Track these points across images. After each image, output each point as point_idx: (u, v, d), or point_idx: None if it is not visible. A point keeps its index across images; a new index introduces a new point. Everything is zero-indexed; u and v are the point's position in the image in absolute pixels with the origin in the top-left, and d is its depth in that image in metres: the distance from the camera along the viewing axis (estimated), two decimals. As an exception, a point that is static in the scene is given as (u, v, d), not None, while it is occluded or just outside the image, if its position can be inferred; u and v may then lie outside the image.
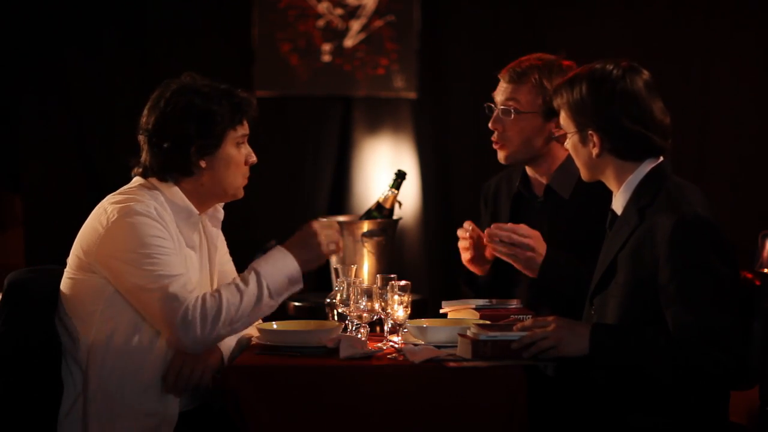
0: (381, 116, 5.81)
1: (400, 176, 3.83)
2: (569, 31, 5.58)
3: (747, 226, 4.75)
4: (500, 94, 3.32)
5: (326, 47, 5.74)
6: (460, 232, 3.31)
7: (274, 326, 2.91)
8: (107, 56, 5.70)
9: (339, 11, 5.74)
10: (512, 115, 3.27)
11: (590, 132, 2.79)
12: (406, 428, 2.64)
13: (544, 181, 3.35)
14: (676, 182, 2.78)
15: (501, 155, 3.34)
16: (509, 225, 3.17)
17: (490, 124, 3.33)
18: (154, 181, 2.91)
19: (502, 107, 3.30)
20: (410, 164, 5.74)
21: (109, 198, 2.89)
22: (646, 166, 2.80)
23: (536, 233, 3.16)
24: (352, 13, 5.75)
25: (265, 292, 2.78)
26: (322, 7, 5.74)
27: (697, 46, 5.59)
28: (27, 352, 2.83)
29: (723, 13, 5.57)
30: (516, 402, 2.61)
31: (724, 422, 2.78)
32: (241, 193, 2.97)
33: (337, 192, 5.78)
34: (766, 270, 4.24)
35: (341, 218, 4.02)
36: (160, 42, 5.72)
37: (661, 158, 2.82)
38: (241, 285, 2.78)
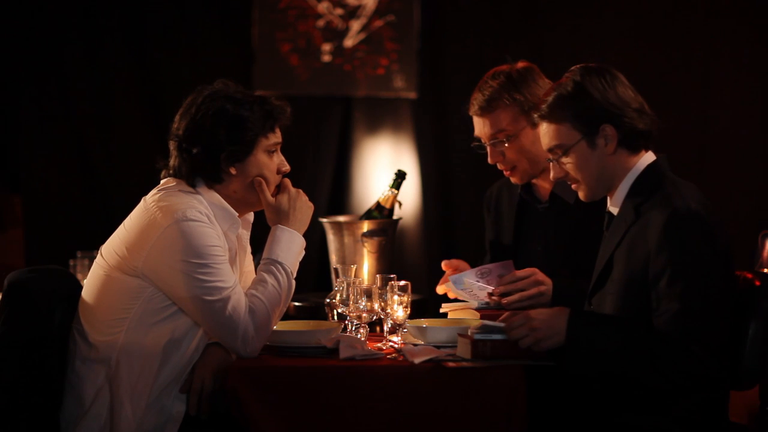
0: (381, 116, 5.81)
1: (400, 176, 3.83)
2: (569, 30, 5.58)
3: (747, 226, 4.75)
4: (482, 129, 3.28)
5: (326, 47, 5.75)
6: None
7: (274, 326, 2.92)
8: (107, 56, 5.71)
9: (339, 11, 5.74)
10: (506, 143, 3.26)
11: (603, 126, 2.77)
12: (406, 428, 2.64)
13: (548, 186, 3.33)
14: (673, 179, 2.78)
15: (515, 179, 3.32)
16: (506, 278, 3.13)
17: (489, 160, 3.29)
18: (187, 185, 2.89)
19: (492, 141, 3.26)
20: (410, 164, 5.74)
21: (155, 200, 2.83)
22: (643, 163, 2.80)
23: (534, 270, 3.13)
24: (352, 13, 5.75)
25: (291, 279, 2.88)
26: (322, 7, 5.75)
27: (697, 45, 5.59)
28: (27, 352, 2.82)
29: (723, 13, 5.57)
30: (515, 402, 2.61)
31: (724, 422, 2.78)
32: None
33: (337, 192, 5.79)
34: (766, 270, 4.24)
35: (341, 218, 4.02)
36: (159, 42, 5.73)
37: (654, 157, 2.82)
38: (274, 282, 2.83)
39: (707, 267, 2.64)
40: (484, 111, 3.26)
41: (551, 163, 2.86)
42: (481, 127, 3.29)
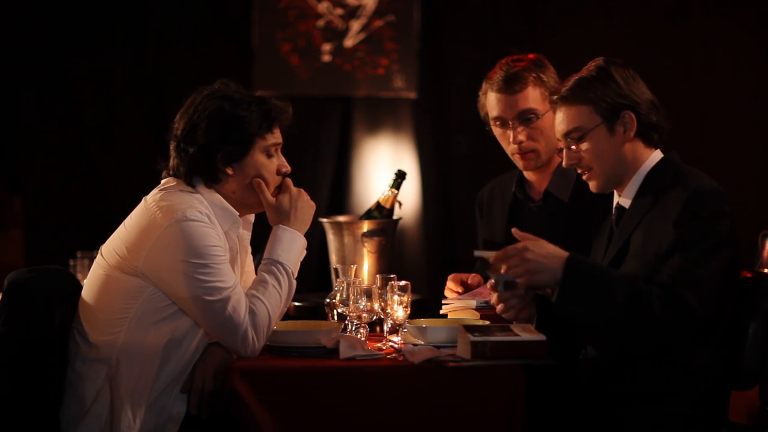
0: (381, 116, 5.81)
1: (400, 176, 3.83)
2: (569, 30, 5.58)
3: (747, 226, 4.75)
4: (508, 107, 3.27)
5: (326, 47, 5.75)
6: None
7: (274, 327, 2.92)
8: (107, 56, 5.71)
9: (339, 11, 5.74)
10: (534, 121, 3.25)
11: (624, 112, 2.78)
12: (406, 428, 2.64)
13: (543, 184, 3.33)
14: (689, 169, 2.81)
15: (529, 162, 3.31)
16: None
17: (512, 141, 3.27)
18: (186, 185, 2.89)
19: (520, 119, 3.25)
20: (410, 164, 5.74)
21: (155, 200, 2.83)
22: (654, 159, 2.82)
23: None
24: (352, 13, 5.75)
25: (292, 279, 2.88)
26: (322, 7, 5.75)
27: (697, 45, 5.59)
28: (27, 352, 2.82)
29: (723, 13, 5.57)
30: (515, 402, 2.61)
31: (725, 419, 2.78)
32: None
33: (337, 192, 5.79)
34: (766, 270, 4.24)
35: (341, 218, 4.02)
36: (160, 42, 5.73)
37: (660, 153, 2.83)
38: (275, 283, 2.83)
39: (721, 239, 2.65)
40: (512, 88, 3.25)
41: (564, 150, 2.85)
42: (506, 105, 3.27)
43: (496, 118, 3.30)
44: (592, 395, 2.78)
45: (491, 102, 3.30)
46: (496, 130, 3.33)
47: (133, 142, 5.69)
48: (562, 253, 2.66)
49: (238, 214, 2.90)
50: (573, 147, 2.83)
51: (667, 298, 2.59)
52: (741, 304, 2.78)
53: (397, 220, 3.92)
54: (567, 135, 2.84)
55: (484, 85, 3.33)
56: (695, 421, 2.71)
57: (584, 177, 2.87)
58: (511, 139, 3.27)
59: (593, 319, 2.65)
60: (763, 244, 4.35)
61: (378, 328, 3.08)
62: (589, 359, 2.82)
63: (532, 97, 3.24)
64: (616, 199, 2.88)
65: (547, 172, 3.32)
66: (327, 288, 3.49)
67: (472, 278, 3.32)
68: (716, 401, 2.76)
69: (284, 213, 2.92)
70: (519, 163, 3.33)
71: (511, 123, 3.27)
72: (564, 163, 2.87)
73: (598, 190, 2.87)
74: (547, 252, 2.66)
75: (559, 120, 2.86)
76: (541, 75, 3.25)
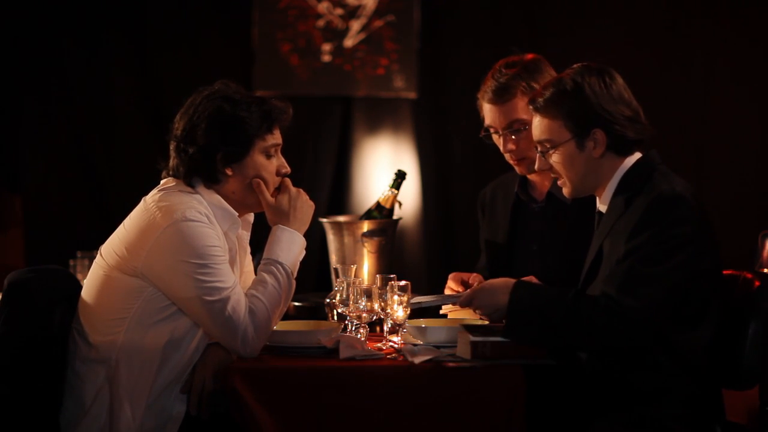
0: (381, 116, 5.81)
1: (400, 176, 3.83)
2: (569, 31, 5.58)
3: (747, 226, 4.75)
4: (497, 117, 3.25)
5: (326, 47, 5.75)
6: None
7: (274, 327, 2.92)
8: (107, 56, 5.71)
9: (339, 11, 5.75)
10: (522, 131, 3.24)
11: (594, 130, 2.79)
12: (406, 428, 2.65)
13: (545, 185, 3.33)
14: (664, 171, 2.80)
15: (522, 169, 3.30)
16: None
17: (502, 149, 3.27)
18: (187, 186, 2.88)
19: (508, 130, 3.24)
20: (410, 164, 5.74)
21: (154, 200, 2.84)
22: (631, 161, 2.83)
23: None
24: (352, 13, 5.75)
25: (292, 279, 2.88)
26: (322, 7, 5.75)
27: (697, 46, 5.59)
28: (27, 352, 2.82)
29: (723, 14, 5.57)
30: (515, 402, 2.62)
31: (720, 416, 2.78)
32: None
33: (337, 192, 5.79)
34: (766, 270, 4.24)
35: (341, 218, 4.02)
36: (160, 42, 5.73)
37: (639, 154, 2.84)
38: (274, 283, 2.83)
39: (679, 243, 2.65)
40: (501, 99, 3.24)
41: (537, 155, 2.90)
42: (495, 115, 3.27)
43: (488, 126, 3.32)
44: (591, 395, 2.78)
45: (484, 110, 3.31)
46: (493, 136, 3.33)
47: (133, 142, 5.69)
48: (507, 290, 2.74)
49: (237, 214, 2.90)
50: (545, 154, 2.87)
51: (601, 304, 2.65)
52: (741, 305, 2.78)
53: (397, 220, 3.92)
54: (539, 143, 2.88)
55: (480, 90, 3.34)
56: (690, 420, 2.71)
57: (558, 183, 2.92)
58: (501, 148, 3.29)
59: (544, 342, 2.72)
60: (763, 244, 4.35)
61: (378, 328, 3.08)
62: (587, 360, 2.82)
63: (521, 107, 3.22)
64: (597, 204, 2.90)
65: (548, 173, 3.31)
66: (327, 288, 3.49)
67: (473, 278, 3.32)
68: (711, 400, 2.76)
69: (283, 213, 2.92)
70: (515, 168, 3.33)
71: (501, 132, 3.27)
72: (536, 167, 2.93)
73: (570, 196, 2.91)
74: (490, 298, 2.77)
75: (534, 125, 2.89)
76: (532, 83, 3.22)
